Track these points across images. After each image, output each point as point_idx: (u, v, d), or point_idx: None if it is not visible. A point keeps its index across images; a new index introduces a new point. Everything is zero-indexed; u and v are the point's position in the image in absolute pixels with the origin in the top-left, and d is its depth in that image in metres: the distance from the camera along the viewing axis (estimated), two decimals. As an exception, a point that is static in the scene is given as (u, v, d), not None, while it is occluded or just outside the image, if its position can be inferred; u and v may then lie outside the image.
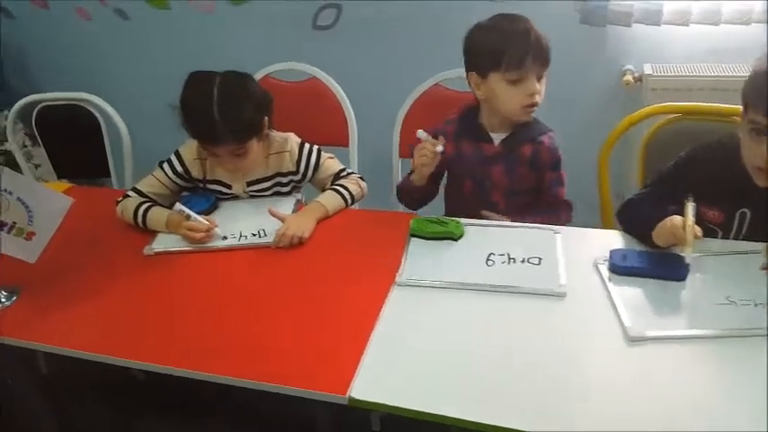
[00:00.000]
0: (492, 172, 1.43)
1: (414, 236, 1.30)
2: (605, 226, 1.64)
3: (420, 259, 1.23)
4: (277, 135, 1.47)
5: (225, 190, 1.47)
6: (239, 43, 2.41)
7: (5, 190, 1.09)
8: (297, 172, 1.48)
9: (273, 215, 1.33)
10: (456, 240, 1.28)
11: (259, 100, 1.35)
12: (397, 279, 1.18)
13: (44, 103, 1.92)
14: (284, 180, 1.49)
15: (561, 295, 1.11)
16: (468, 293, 1.14)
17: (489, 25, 1.34)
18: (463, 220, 1.32)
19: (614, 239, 1.25)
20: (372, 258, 1.26)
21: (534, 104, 1.34)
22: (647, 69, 2.12)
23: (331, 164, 1.50)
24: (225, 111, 1.28)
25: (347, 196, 1.43)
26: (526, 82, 1.30)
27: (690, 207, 1.10)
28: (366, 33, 2.29)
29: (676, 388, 0.91)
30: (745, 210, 1.18)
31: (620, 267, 1.14)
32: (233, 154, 1.34)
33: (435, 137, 1.36)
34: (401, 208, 1.61)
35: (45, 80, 2.70)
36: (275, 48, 2.28)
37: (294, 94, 1.89)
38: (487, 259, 1.22)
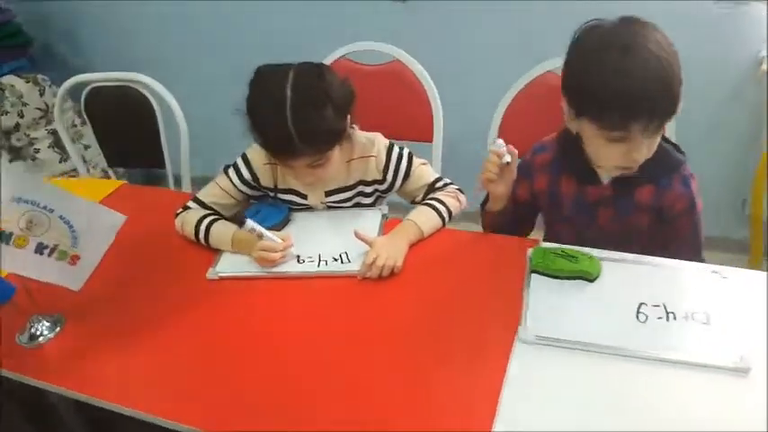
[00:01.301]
0: (597, 217, 1.13)
1: (535, 272, 1.05)
2: (753, 260, 1.35)
3: (547, 306, 0.98)
4: (361, 136, 1.23)
5: (299, 200, 1.25)
6: (311, 19, 2.17)
7: (45, 207, 0.90)
8: (383, 180, 1.24)
9: (360, 239, 1.10)
10: (591, 282, 1.02)
11: (341, 99, 1.10)
12: (521, 333, 0.93)
13: (95, 84, 1.74)
14: (368, 190, 1.26)
15: (743, 371, 0.85)
16: (616, 360, 0.89)
17: (596, 54, 0.95)
18: (597, 253, 1.06)
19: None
20: (484, 299, 1.03)
21: (632, 168, 1.02)
22: (795, 56, 1.77)
23: (424, 172, 1.25)
24: (301, 119, 1.04)
25: (445, 214, 1.19)
26: (629, 143, 0.96)
27: None
28: (456, 7, 2.00)
29: None
30: None
31: (825, 337, 0.86)
32: (310, 166, 1.12)
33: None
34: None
35: (100, 58, 2.54)
36: (352, 24, 2.03)
37: (372, 78, 1.65)
38: (638, 312, 0.96)
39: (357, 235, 1.11)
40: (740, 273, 1.02)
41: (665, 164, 1.07)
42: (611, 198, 1.10)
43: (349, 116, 1.15)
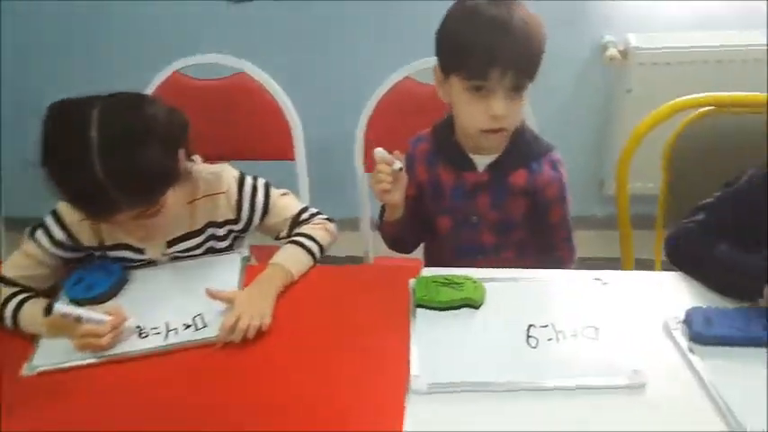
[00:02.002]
0: (477, 205, 1.14)
1: (420, 306, 0.97)
2: (624, 254, 1.39)
3: (436, 346, 0.91)
4: (204, 170, 1.07)
5: (134, 256, 1.06)
6: (136, 26, 1.91)
7: None
8: (237, 219, 1.09)
9: (215, 298, 0.95)
10: (477, 309, 0.96)
11: (167, 133, 0.92)
12: (413, 384, 0.85)
13: None
14: (220, 232, 1.10)
15: (639, 387, 0.83)
16: (513, 397, 0.83)
17: (467, 7, 1.01)
18: (477, 274, 1.01)
19: (671, 285, 1.00)
20: (368, 348, 0.92)
21: (498, 131, 1.03)
22: (633, 41, 1.88)
23: (286, 204, 1.12)
24: (113, 164, 0.86)
25: (315, 250, 1.07)
26: (490, 98, 0.99)
27: None
28: (306, 7, 1.87)
29: None
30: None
31: (705, 337, 0.87)
32: (138, 217, 0.93)
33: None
34: (375, 245, 1.27)
35: None
36: (185, 31, 1.82)
37: (214, 95, 1.48)
38: (528, 336, 0.91)
39: (210, 294, 0.95)
40: (618, 276, 1.02)
41: (535, 148, 1.12)
42: (487, 183, 1.12)
43: (183, 150, 0.98)
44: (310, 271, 1.06)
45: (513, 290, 1.00)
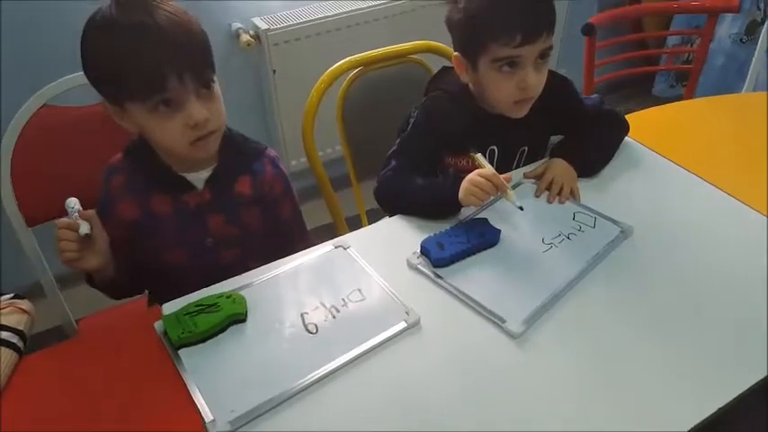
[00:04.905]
0: (208, 226, 1.09)
1: (182, 346, 0.88)
2: (335, 218, 1.52)
3: (218, 378, 0.84)
4: None
5: None
6: None
7: None
8: None
9: None
10: (245, 321, 0.93)
11: None
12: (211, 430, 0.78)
13: None
14: None
15: (417, 324, 0.93)
16: (317, 390, 0.84)
17: (103, 31, 0.91)
18: (226, 288, 0.98)
19: (398, 228, 1.13)
20: (147, 423, 0.80)
21: (209, 135, 0.98)
22: (261, 24, 2.01)
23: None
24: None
25: (14, 340, 0.86)
26: (185, 109, 0.94)
27: (480, 156, 1.13)
28: None
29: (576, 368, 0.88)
30: (493, 147, 1.24)
31: (444, 259, 1.03)
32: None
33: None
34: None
35: None
36: None
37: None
38: (305, 325, 0.93)
39: None
40: (354, 237, 1.11)
41: (250, 151, 1.12)
42: (212, 202, 1.07)
43: None
44: (21, 366, 0.85)
45: (270, 287, 0.99)
